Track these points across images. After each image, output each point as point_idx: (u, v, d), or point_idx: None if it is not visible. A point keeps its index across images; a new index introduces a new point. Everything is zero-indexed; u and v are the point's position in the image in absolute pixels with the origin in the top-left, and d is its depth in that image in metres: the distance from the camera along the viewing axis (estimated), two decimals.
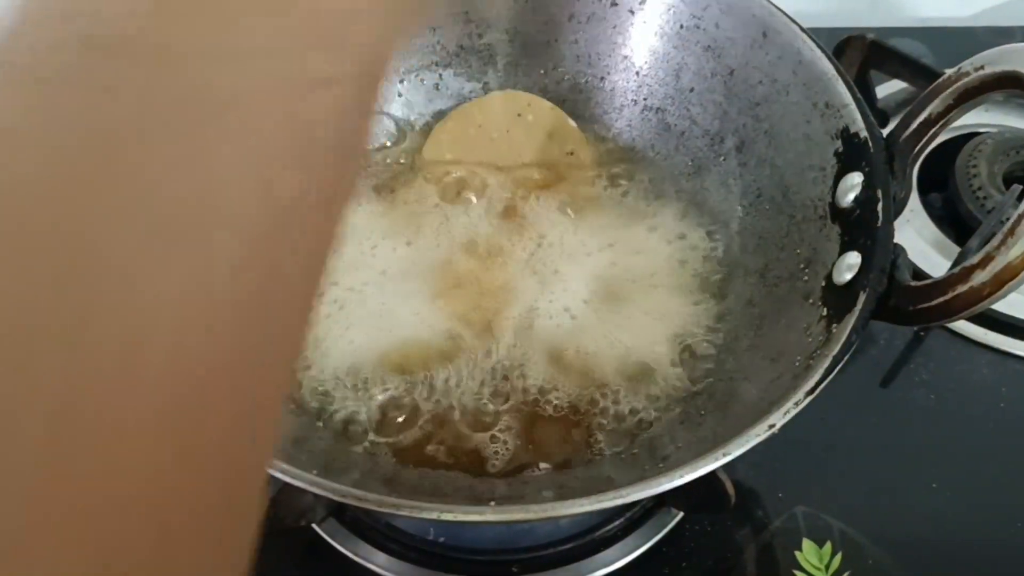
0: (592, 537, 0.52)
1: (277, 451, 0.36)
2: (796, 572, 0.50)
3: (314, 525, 0.51)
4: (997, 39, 0.79)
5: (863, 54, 0.69)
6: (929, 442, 0.56)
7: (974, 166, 0.66)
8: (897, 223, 0.65)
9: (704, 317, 0.50)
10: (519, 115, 0.58)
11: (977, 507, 0.53)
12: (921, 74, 0.68)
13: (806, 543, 0.51)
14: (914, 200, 0.67)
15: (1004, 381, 0.59)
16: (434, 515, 0.34)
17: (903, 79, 0.70)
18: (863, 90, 0.70)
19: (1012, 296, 0.59)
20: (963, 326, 0.61)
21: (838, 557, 0.51)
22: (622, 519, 0.52)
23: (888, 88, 0.73)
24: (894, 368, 0.60)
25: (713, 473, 0.42)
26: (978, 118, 0.71)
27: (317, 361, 0.49)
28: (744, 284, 0.50)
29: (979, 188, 0.64)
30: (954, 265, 0.40)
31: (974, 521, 0.53)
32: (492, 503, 0.35)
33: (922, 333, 0.61)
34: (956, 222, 0.66)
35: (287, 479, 0.35)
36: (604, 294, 0.52)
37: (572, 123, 0.59)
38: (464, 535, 0.52)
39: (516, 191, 0.57)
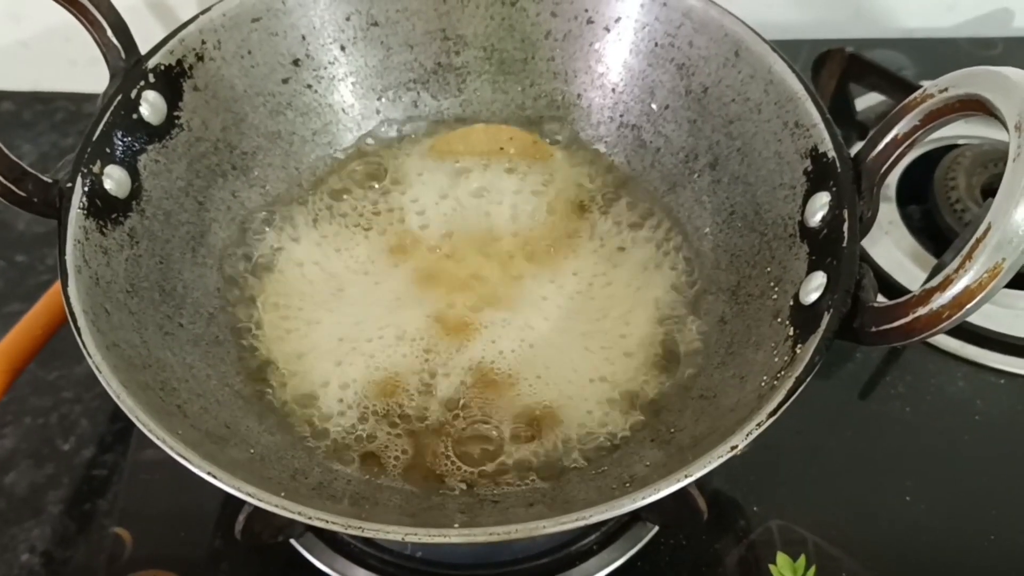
0: (568, 551, 0.52)
1: (247, 472, 0.37)
2: None
3: (292, 540, 0.51)
4: (979, 50, 0.80)
5: (842, 67, 0.70)
6: (905, 454, 0.57)
7: (952, 178, 0.66)
8: (876, 235, 0.65)
9: (676, 334, 0.51)
10: (501, 148, 0.59)
11: (951, 519, 0.54)
12: (898, 87, 0.69)
13: (780, 556, 0.51)
14: (893, 212, 0.67)
15: (979, 394, 0.59)
16: (399, 536, 0.35)
17: (881, 92, 0.71)
18: (843, 103, 0.71)
19: (988, 308, 0.59)
20: (939, 339, 0.61)
21: (812, 569, 0.51)
22: (598, 533, 0.53)
23: (868, 101, 0.73)
24: (871, 380, 0.60)
25: (684, 489, 0.43)
26: (958, 130, 0.71)
27: (288, 381, 0.49)
28: (717, 301, 0.51)
29: (957, 201, 0.65)
30: (928, 279, 0.41)
31: (948, 533, 0.53)
32: (456, 524, 0.35)
33: (899, 346, 0.61)
34: (935, 234, 0.66)
35: (254, 502, 0.36)
36: (575, 310, 0.52)
37: (557, 155, 0.59)
38: (441, 550, 0.52)
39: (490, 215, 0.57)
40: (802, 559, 0.51)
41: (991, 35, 0.82)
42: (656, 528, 0.53)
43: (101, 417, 0.62)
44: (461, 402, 0.49)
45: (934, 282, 0.36)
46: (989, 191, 0.65)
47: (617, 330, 0.51)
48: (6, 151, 0.43)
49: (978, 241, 0.34)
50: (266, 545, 0.49)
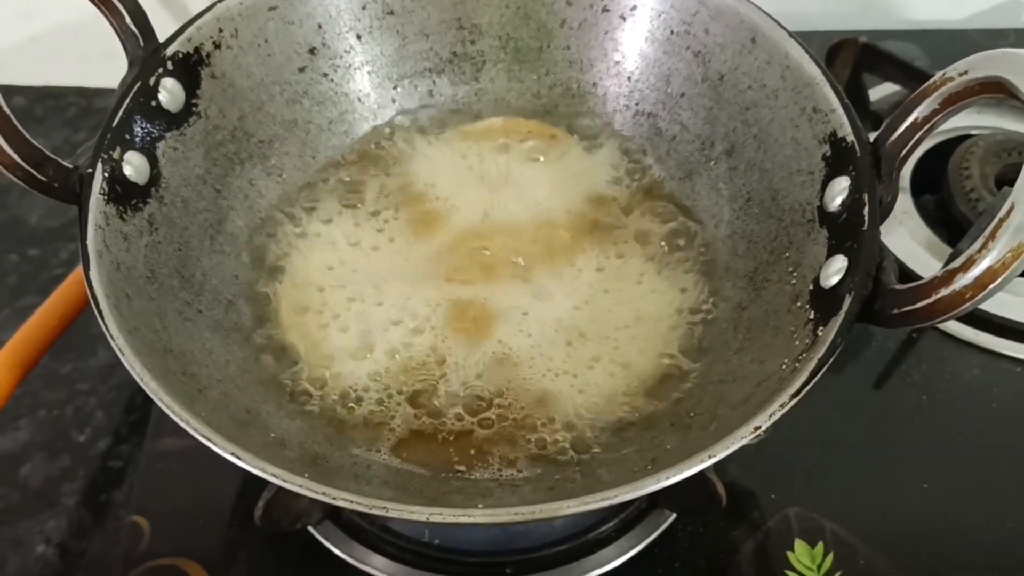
0: (586, 538, 0.52)
1: (269, 455, 0.37)
2: (788, 573, 0.51)
3: (310, 528, 0.51)
4: (990, 41, 0.80)
5: (856, 57, 0.70)
6: (921, 442, 0.57)
7: (966, 168, 0.66)
8: (890, 225, 0.65)
9: (693, 320, 0.51)
10: (520, 141, 0.59)
11: (968, 507, 0.54)
12: (913, 77, 0.69)
13: (798, 543, 0.51)
14: (907, 202, 0.67)
15: (995, 381, 0.59)
16: (423, 517, 0.35)
17: (896, 82, 0.71)
18: (856, 93, 0.71)
19: (1003, 297, 0.60)
20: (954, 327, 0.61)
21: (830, 557, 0.51)
22: (615, 520, 0.53)
23: (881, 91, 0.73)
24: (887, 369, 0.60)
25: (703, 475, 0.43)
26: (971, 120, 0.71)
27: (310, 365, 0.50)
28: (734, 288, 0.51)
29: (971, 190, 0.65)
30: (944, 266, 0.41)
31: (965, 521, 0.53)
32: (480, 505, 0.35)
33: (915, 334, 0.61)
34: (949, 224, 0.66)
35: (279, 482, 0.35)
36: (594, 298, 0.52)
37: (574, 146, 0.59)
38: (459, 537, 0.52)
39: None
40: (820, 547, 0.51)
41: (1002, 27, 0.82)
42: (674, 516, 0.53)
43: (116, 409, 0.62)
44: (480, 389, 0.49)
45: (956, 263, 0.36)
46: (1003, 180, 0.65)
47: (635, 317, 0.51)
48: (28, 136, 0.43)
49: (1001, 221, 0.34)
50: (284, 532, 0.49)
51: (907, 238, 0.65)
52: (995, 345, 0.60)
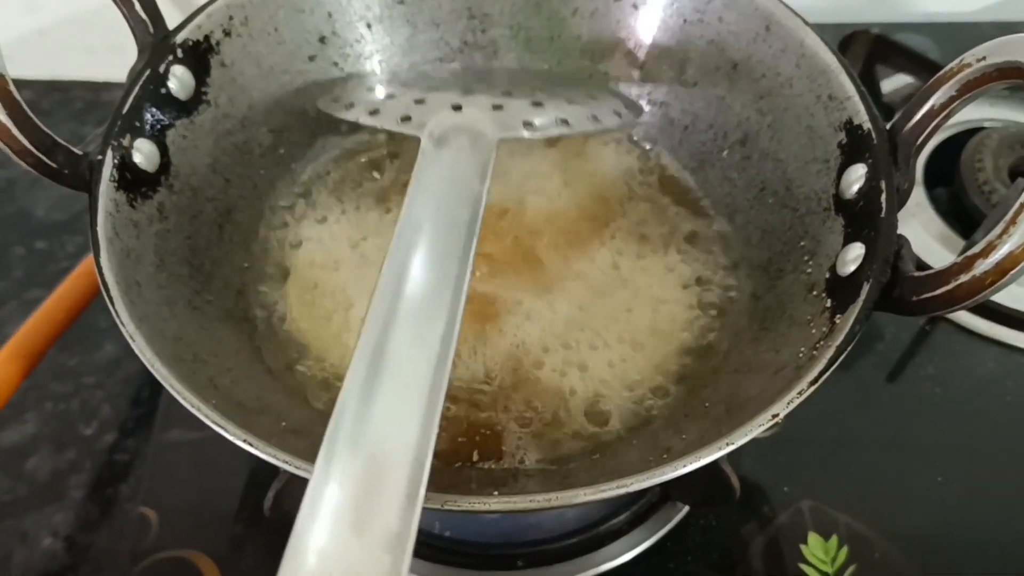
0: (597, 531, 0.52)
1: (280, 443, 0.37)
2: (802, 566, 0.50)
3: None
4: (1003, 34, 0.79)
5: (868, 49, 0.69)
6: (935, 436, 0.56)
7: (979, 160, 0.66)
8: (903, 217, 0.64)
9: (708, 311, 0.50)
10: None
11: (983, 500, 0.53)
12: (926, 68, 0.68)
13: (812, 536, 0.51)
14: (920, 195, 0.67)
15: (1010, 375, 0.59)
16: (438, 504, 0.34)
17: (908, 73, 0.71)
18: (868, 85, 0.71)
19: (1018, 290, 0.60)
20: (969, 320, 0.61)
21: (844, 550, 0.51)
22: (627, 513, 0.52)
23: (893, 83, 0.73)
24: (900, 362, 0.60)
25: (718, 466, 0.42)
26: (984, 112, 0.71)
27: (320, 355, 0.49)
28: (748, 277, 0.50)
29: (985, 182, 0.64)
30: (961, 253, 0.40)
31: (980, 514, 0.53)
32: (495, 493, 0.35)
33: (928, 327, 0.61)
34: (962, 216, 0.66)
35: (291, 469, 0.35)
36: (606, 289, 0.52)
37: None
38: (470, 528, 0.52)
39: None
40: (834, 540, 0.51)
41: (1015, 19, 0.82)
42: (686, 509, 0.52)
43: (123, 403, 0.62)
44: (490, 380, 0.48)
45: (976, 249, 0.35)
46: (1017, 172, 0.64)
47: (649, 308, 0.51)
48: (38, 122, 0.43)
49: (1022, 206, 0.34)
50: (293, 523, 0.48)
51: (920, 230, 0.65)
52: (1010, 338, 0.60)
